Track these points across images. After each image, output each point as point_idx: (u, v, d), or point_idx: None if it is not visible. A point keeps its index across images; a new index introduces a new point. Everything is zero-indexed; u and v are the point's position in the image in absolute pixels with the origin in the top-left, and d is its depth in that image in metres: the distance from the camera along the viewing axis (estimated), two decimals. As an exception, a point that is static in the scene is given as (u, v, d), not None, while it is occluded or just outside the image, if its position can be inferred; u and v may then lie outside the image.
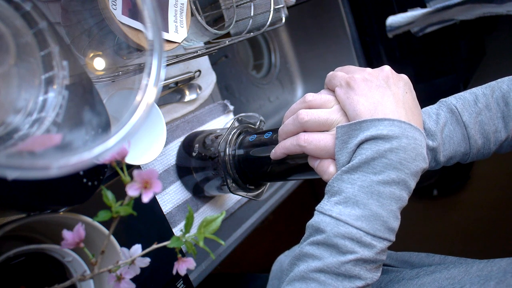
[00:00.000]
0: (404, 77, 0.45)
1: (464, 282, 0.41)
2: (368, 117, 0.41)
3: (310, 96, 0.46)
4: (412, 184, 0.40)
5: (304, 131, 0.45)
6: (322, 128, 0.44)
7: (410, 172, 0.40)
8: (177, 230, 0.64)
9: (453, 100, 0.46)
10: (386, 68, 0.44)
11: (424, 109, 0.46)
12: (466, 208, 1.78)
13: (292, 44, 1.17)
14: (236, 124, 0.60)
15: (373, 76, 0.43)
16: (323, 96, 0.46)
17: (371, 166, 0.39)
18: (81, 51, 0.49)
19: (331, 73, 0.47)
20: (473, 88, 0.47)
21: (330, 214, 0.40)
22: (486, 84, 0.46)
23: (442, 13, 0.91)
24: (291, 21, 1.11)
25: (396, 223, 0.40)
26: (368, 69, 0.45)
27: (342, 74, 0.45)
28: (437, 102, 0.47)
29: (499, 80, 0.46)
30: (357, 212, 0.39)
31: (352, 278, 0.38)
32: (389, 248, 0.41)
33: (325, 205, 0.41)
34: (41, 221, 0.39)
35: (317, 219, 0.41)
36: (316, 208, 0.42)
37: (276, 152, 0.49)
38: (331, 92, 0.46)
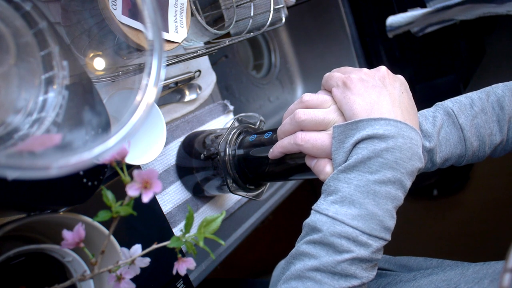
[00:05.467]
0: (400, 77, 0.45)
1: (459, 283, 0.41)
2: (365, 116, 0.41)
3: (307, 96, 0.46)
4: (408, 183, 0.41)
5: (302, 131, 0.46)
6: (319, 127, 0.44)
7: (406, 172, 0.40)
8: (177, 230, 0.64)
9: (449, 103, 0.46)
10: (382, 69, 0.45)
11: (421, 111, 0.47)
12: (466, 208, 1.78)
13: (292, 44, 1.17)
14: (236, 124, 0.60)
15: (369, 76, 0.44)
16: (320, 96, 0.46)
17: (367, 166, 0.40)
18: (81, 51, 0.49)
19: (327, 74, 0.47)
20: (469, 93, 0.47)
21: (326, 213, 0.40)
22: (481, 89, 0.47)
23: (442, 13, 0.91)
24: (291, 21, 1.11)
25: (392, 222, 0.40)
26: (365, 70, 0.45)
27: (339, 74, 0.45)
28: (433, 106, 0.47)
29: (493, 85, 0.47)
30: (353, 212, 0.39)
31: (348, 277, 0.38)
32: (389, 248, 0.42)
33: (322, 204, 0.41)
34: (41, 221, 0.39)
35: (313, 218, 0.41)
36: (312, 207, 0.42)
37: (274, 151, 0.49)
38: (328, 93, 0.46)
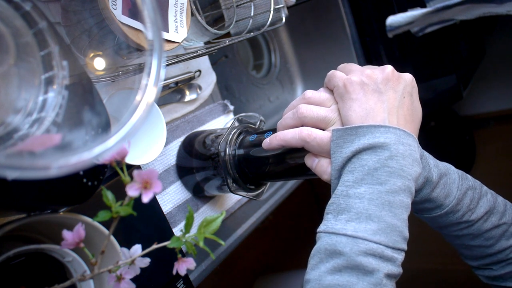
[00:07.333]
0: (405, 78, 0.45)
1: None
2: (360, 123, 0.41)
3: (310, 93, 0.46)
4: (414, 189, 0.40)
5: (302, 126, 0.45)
6: (320, 124, 0.44)
7: (412, 178, 0.40)
8: (177, 230, 0.63)
9: (453, 167, 0.49)
10: (388, 69, 0.44)
11: (431, 156, 0.48)
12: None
13: (292, 44, 1.17)
14: (236, 124, 0.60)
15: (371, 79, 0.43)
16: (322, 94, 0.46)
17: (375, 177, 0.39)
18: (81, 51, 0.49)
19: (331, 72, 0.46)
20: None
21: (344, 233, 0.37)
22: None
23: (442, 13, 0.91)
24: (291, 21, 1.11)
25: (407, 231, 0.39)
26: (368, 70, 0.44)
27: (341, 75, 0.45)
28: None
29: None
30: (373, 226, 0.37)
31: None
32: None
33: (335, 224, 0.38)
34: (41, 221, 0.39)
35: (329, 241, 0.38)
36: (321, 230, 0.39)
37: (272, 142, 0.47)
38: (330, 91, 0.46)
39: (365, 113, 0.41)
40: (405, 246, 0.38)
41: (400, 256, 0.38)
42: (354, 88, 0.42)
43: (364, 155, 0.40)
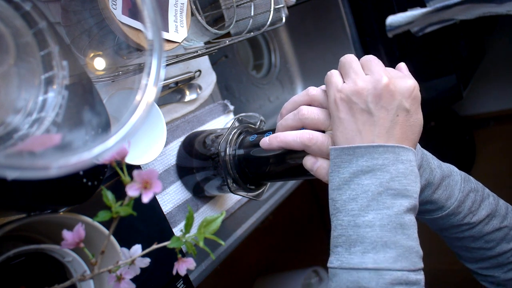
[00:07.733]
0: (403, 91, 0.40)
1: None
2: (345, 144, 0.40)
3: (314, 91, 0.46)
4: (418, 205, 0.40)
5: (302, 128, 0.45)
6: (320, 126, 0.44)
7: (417, 195, 0.39)
8: (177, 230, 0.63)
9: (456, 168, 0.49)
10: (381, 84, 0.39)
11: (434, 157, 0.48)
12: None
13: (292, 44, 1.17)
14: (237, 124, 0.60)
15: (360, 97, 0.39)
16: (325, 92, 0.46)
17: (381, 202, 0.37)
18: (81, 51, 0.49)
19: (329, 74, 0.44)
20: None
21: (365, 267, 0.36)
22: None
23: (442, 12, 0.91)
24: (291, 21, 1.11)
25: (421, 248, 0.38)
26: (361, 83, 0.40)
27: (336, 82, 0.42)
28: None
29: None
30: (392, 254, 0.36)
31: None
32: None
33: (351, 258, 0.37)
34: (41, 221, 0.39)
35: (350, 278, 0.36)
36: (336, 266, 0.38)
37: (272, 143, 0.46)
38: None
39: (351, 135, 0.40)
40: (422, 264, 0.37)
41: (422, 276, 0.37)
42: (343, 106, 0.40)
43: (364, 179, 0.38)
